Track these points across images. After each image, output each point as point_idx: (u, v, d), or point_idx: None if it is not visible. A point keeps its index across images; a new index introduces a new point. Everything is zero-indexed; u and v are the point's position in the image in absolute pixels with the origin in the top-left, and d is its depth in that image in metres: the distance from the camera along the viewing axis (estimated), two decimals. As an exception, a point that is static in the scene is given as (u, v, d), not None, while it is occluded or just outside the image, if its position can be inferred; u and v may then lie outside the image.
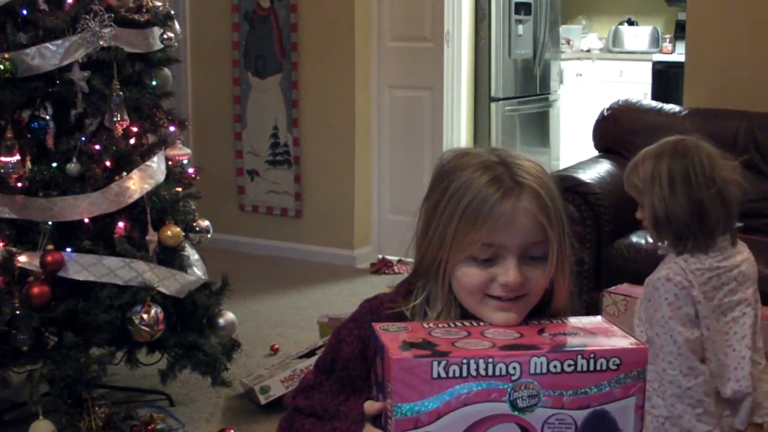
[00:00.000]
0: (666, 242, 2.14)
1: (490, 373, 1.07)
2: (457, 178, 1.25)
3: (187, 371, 3.14)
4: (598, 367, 1.09)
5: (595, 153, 4.24)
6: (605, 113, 4.27)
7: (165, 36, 3.13)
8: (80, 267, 2.86)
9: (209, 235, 3.28)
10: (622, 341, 1.13)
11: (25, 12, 2.92)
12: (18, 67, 2.84)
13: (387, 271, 5.07)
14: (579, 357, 1.09)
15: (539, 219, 1.22)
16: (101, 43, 2.90)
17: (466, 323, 1.20)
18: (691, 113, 4.07)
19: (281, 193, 5.42)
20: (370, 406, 1.17)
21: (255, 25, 5.36)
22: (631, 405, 1.11)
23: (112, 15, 2.93)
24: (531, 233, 1.22)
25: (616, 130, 4.17)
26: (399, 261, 5.11)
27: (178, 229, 3.06)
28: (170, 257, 3.04)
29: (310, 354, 3.46)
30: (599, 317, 1.23)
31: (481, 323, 1.20)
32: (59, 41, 2.87)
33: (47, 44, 2.87)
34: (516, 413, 1.08)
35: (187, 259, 3.11)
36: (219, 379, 3.15)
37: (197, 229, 3.22)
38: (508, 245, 1.22)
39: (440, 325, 1.18)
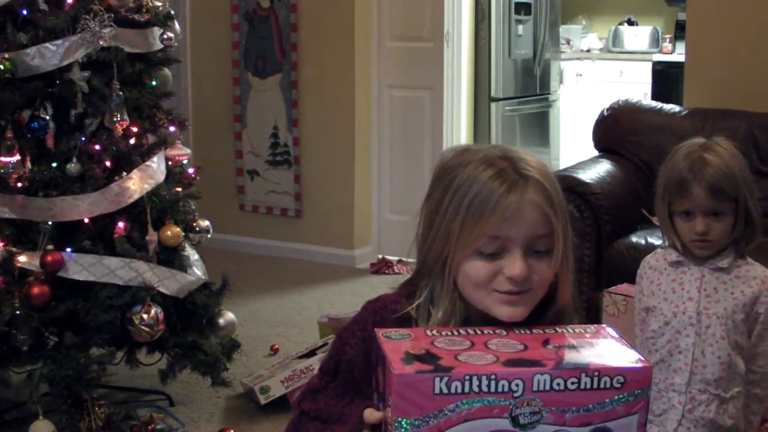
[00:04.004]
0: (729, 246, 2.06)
1: (492, 389, 1.06)
2: (460, 174, 1.25)
3: (187, 371, 3.14)
4: (602, 385, 1.08)
5: (595, 153, 4.24)
6: (605, 113, 4.27)
7: (165, 36, 3.13)
8: (80, 267, 2.86)
9: (209, 235, 3.28)
10: (627, 358, 1.12)
11: (25, 12, 2.92)
12: (18, 67, 2.84)
13: (387, 271, 5.07)
14: (583, 375, 1.08)
15: (545, 211, 1.22)
16: (101, 43, 2.90)
17: (470, 331, 1.18)
18: (691, 113, 4.07)
19: (281, 193, 5.42)
20: (371, 415, 1.16)
21: (255, 25, 5.36)
22: (633, 423, 1.10)
23: (112, 15, 2.92)
24: (537, 225, 1.22)
25: (616, 130, 4.17)
26: (399, 261, 5.11)
27: (178, 229, 3.06)
28: (170, 257, 3.04)
29: (310, 354, 3.46)
30: (605, 326, 1.22)
31: (486, 331, 1.19)
32: (59, 41, 2.87)
33: (47, 44, 2.87)
34: (517, 429, 1.07)
35: (187, 259, 3.11)
36: (219, 379, 3.15)
37: (197, 229, 3.22)
38: (514, 238, 1.21)
39: (444, 333, 1.17)
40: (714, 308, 2.03)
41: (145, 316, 2.86)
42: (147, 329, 2.86)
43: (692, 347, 2.02)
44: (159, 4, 3.16)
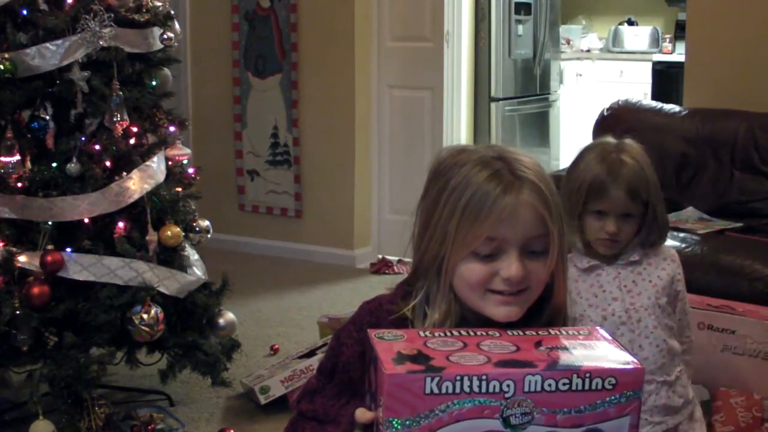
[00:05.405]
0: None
1: (483, 390, 1.05)
2: (456, 175, 1.25)
3: (187, 371, 3.14)
4: (594, 387, 1.08)
5: (595, 153, 4.23)
6: (605, 113, 4.27)
7: (165, 36, 3.13)
8: (80, 267, 2.86)
9: (209, 235, 3.28)
10: (619, 360, 1.12)
11: (25, 12, 2.92)
12: (18, 67, 2.84)
13: (387, 271, 5.07)
14: (574, 376, 1.07)
15: (540, 212, 1.23)
16: (101, 43, 2.90)
17: (463, 332, 1.18)
18: (691, 113, 4.06)
19: (281, 193, 5.42)
20: (362, 415, 1.15)
21: (255, 25, 5.36)
22: (625, 424, 1.10)
23: (112, 15, 2.93)
24: (533, 227, 1.23)
25: (616, 130, 4.15)
26: (399, 261, 5.11)
27: (178, 229, 3.06)
28: (170, 257, 3.04)
29: (310, 354, 3.46)
30: (598, 328, 1.22)
31: (479, 333, 1.18)
32: (59, 41, 2.87)
33: (47, 44, 2.87)
34: (508, 430, 1.07)
35: (187, 259, 3.11)
36: (219, 379, 3.15)
37: (197, 229, 3.22)
38: (510, 239, 1.22)
39: (437, 334, 1.16)
40: (640, 301, 2.08)
41: (145, 316, 2.85)
42: (147, 329, 2.86)
43: (629, 345, 2.05)
44: (159, 4, 3.16)
